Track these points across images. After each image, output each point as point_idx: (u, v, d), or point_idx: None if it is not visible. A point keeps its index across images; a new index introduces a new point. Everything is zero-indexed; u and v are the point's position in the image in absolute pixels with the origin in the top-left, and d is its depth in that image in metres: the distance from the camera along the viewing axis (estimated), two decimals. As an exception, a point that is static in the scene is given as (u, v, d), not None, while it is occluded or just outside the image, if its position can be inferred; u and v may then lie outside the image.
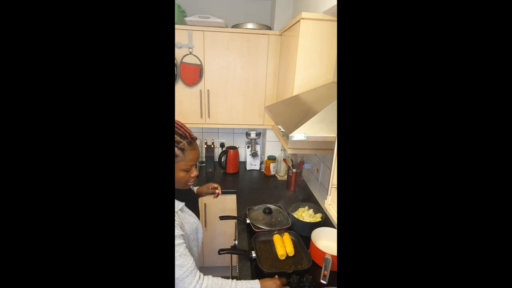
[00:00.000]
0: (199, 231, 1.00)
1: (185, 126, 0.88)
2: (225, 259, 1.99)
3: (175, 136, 0.82)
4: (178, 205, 0.90)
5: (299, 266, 1.13)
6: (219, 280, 0.89)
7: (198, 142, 2.11)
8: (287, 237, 1.26)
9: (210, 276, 0.90)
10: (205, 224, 1.88)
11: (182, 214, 0.92)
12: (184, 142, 0.83)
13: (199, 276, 0.86)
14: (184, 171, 0.86)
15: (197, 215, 1.02)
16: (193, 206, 1.02)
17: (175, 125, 0.85)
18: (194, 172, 0.91)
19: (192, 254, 0.90)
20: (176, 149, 0.82)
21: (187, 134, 0.85)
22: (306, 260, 1.16)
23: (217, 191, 1.23)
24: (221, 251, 1.17)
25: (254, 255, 1.15)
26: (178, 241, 0.82)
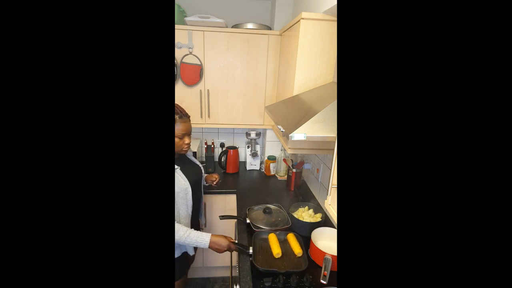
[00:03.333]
0: (188, 193, 1.20)
1: (179, 106, 1.17)
2: (225, 259, 1.99)
3: None
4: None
5: (294, 268, 1.12)
6: (177, 225, 1.12)
7: (198, 141, 2.11)
8: (292, 238, 1.26)
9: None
10: (205, 224, 1.88)
11: (175, 174, 1.15)
12: (176, 116, 1.14)
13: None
14: (177, 137, 1.14)
15: (196, 183, 1.28)
16: (191, 174, 1.26)
17: None
18: (187, 140, 1.18)
19: (179, 210, 1.18)
20: None
21: (178, 110, 1.15)
22: (302, 261, 1.16)
23: (214, 182, 1.49)
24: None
25: (251, 251, 1.17)
26: None
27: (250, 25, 1.81)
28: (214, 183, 1.49)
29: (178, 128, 1.14)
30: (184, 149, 1.19)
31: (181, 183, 1.17)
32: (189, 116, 1.19)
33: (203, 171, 1.41)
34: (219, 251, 1.16)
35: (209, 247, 1.13)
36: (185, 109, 1.21)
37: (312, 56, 1.25)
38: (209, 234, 1.14)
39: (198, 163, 1.39)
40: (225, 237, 1.17)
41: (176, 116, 1.13)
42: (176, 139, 1.14)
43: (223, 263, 2.00)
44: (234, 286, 1.20)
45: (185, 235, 1.10)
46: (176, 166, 1.17)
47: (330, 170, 0.80)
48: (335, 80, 1.17)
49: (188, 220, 1.23)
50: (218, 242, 1.14)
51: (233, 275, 1.65)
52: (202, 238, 1.12)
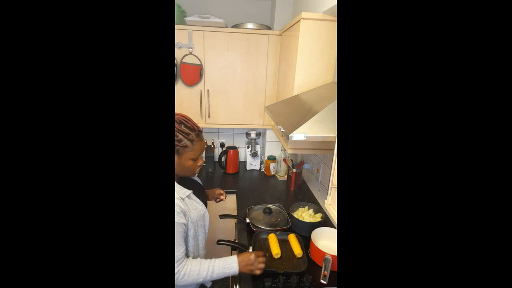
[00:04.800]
0: (206, 218, 1.05)
1: (192, 120, 0.98)
2: (225, 259, 1.99)
3: (185, 128, 0.92)
4: (186, 192, 0.96)
5: (294, 269, 1.12)
6: (197, 265, 0.94)
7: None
8: (293, 238, 1.26)
9: (191, 260, 0.95)
10: (205, 224, 1.89)
11: (189, 201, 0.98)
12: (193, 134, 0.93)
13: (184, 264, 0.92)
14: (192, 160, 0.95)
15: (205, 203, 1.08)
16: (200, 195, 1.08)
17: (184, 118, 0.94)
18: (200, 161, 1.00)
19: (198, 240, 1.02)
20: (186, 141, 0.91)
21: (195, 127, 0.95)
22: (302, 262, 1.16)
23: (221, 197, 1.31)
24: (219, 242, 1.19)
25: (250, 250, 1.16)
26: (177, 229, 0.88)
27: (250, 25, 1.81)
28: (220, 198, 1.31)
29: (196, 148, 0.94)
30: (197, 171, 1.02)
31: (199, 209, 1.00)
32: (201, 131, 1.00)
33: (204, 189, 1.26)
34: (252, 271, 0.99)
35: (240, 270, 0.98)
36: (186, 114, 1.02)
37: (312, 56, 1.25)
38: (235, 257, 0.99)
39: (199, 180, 1.20)
40: (248, 253, 1.02)
41: (193, 134, 0.93)
42: (190, 162, 0.95)
43: (223, 263, 2.00)
44: (234, 286, 1.20)
45: (210, 270, 0.93)
46: (188, 191, 0.97)
47: (330, 170, 0.80)
48: (335, 80, 1.17)
49: (205, 249, 1.08)
50: (246, 260, 0.99)
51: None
52: (228, 264, 0.97)
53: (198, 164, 0.99)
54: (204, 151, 2.15)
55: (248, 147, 2.23)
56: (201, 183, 1.20)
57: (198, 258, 0.98)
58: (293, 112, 1.05)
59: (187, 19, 1.67)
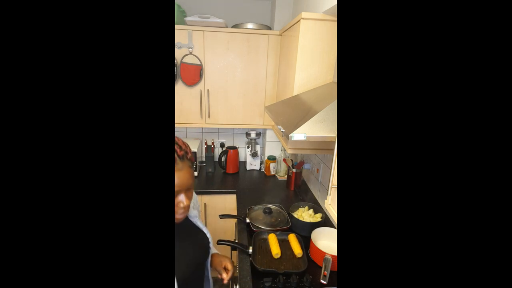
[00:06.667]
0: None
1: (182, 141, 0.68)
2: (225, 259, 1.99)
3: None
4: None
5: (294, 269, 1.12)
6: None
7: (197, 142, 2.08)
8: (293, 238, 1.27)
9: None
10: (205, 224, 1.89)
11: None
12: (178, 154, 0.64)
13: None
14: None
15: (195, 272, 0.79)
16: (183, 256, 0.73)
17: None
18: (184, 202, 0.65)
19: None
20: None
21: (183, 147, 0.66)
22: (302, 262, 1.16)
23: (223, 275, 0.93)
24: (219, 242, 1.20)
25: (250, 250, 1.17)
26: None
27: (250, 25, 1.81)
28: (225, 280, 0.93)
29: (177, 176, 0.63)
30: (177, 215, 0.67)
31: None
32: (188, 156, 0.66)
33: (210, 242, 0.87)
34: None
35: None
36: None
37: (312, 56, 1.25)
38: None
39: (205, 229, 0.84)
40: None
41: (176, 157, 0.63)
42: None
43: (223, 263, 2.00)
44: (234, 286, 1.20)
45: None
46: None
47: (330, 170, 0.80)
48: (335, 80, 1.17)
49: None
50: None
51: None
52: None
53: (180, 205, 0.66)
54: (205, 151, 2.15)
55: (248, 147, 2.23)
56: (208, 237, 0.84)
57: None
58: (293, 112, 1.05)
59: (187, 19, 1.67)
